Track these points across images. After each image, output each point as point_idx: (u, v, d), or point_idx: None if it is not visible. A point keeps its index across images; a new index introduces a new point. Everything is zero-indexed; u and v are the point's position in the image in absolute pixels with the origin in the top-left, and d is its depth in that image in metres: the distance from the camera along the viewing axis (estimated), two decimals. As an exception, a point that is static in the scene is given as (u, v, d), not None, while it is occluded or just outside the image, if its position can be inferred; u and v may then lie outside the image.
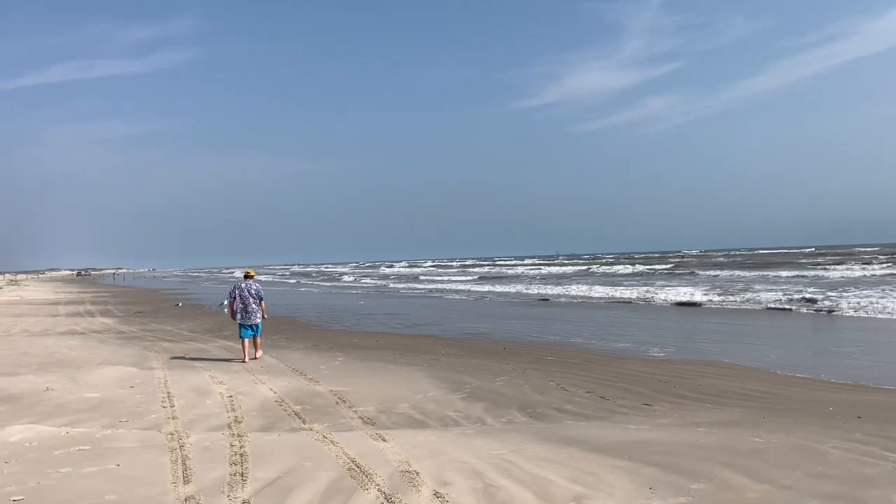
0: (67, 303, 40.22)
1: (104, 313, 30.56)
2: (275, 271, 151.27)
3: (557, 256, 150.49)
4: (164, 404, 9.19)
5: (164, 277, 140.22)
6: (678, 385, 11.10)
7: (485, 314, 27.74)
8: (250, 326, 14.10)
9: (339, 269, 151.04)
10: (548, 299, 35.39)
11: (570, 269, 78.44)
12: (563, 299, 35.05)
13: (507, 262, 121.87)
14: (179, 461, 6.23)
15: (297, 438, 7.30)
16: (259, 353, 14.33)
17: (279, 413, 8.78)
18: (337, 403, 9.42)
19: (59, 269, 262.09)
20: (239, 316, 14.11)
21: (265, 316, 14.50)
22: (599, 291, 37.86)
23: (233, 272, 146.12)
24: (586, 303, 32.22)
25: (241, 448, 6.76)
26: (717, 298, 29.84)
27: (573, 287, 43.13)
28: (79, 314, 29.97)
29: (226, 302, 14.97)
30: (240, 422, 8.24)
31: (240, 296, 14.19)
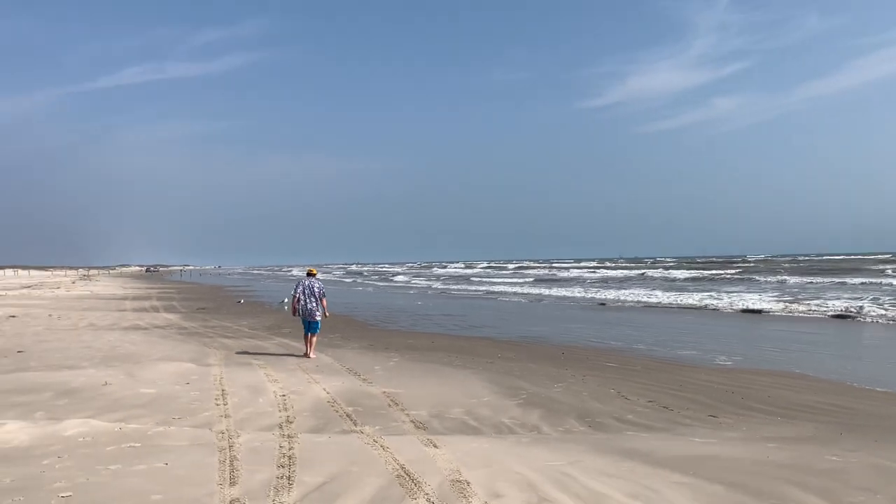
0: (134, 298, 41.37)
1: (168, 309, 31.26)
2: (332, 270, 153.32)
3: (619, 259, 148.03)
4: (218, 402, 9.17)
5: (228, 274, 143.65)
6: (746, 396, 10.56)
7: (543, 317, 27.31)
8: (312, 323, 14.47)
9: (396, 268, 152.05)
10: (605, 304, 34.66)
11: (630, 272, 76.99)
12: (623, 303, 34.27)
13: (564, 265, 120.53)
14: (227, 462, 6.12)
15: (347, 441, 7.14)
16: (313, 354, 14.38)
17: (331, 414, 8.65)
18: (389, 406, 9.24)
19: (129, 265, 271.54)
20: (301, 312, 14.47)
21: (326, 314, 14.79)
22: (661, 296, 36.93)
23: (291, 271, 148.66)
24: (648, 308, 31.40)
25: (289, 450, 6.62)
26: (784, 305, 28.68)
27: (633, 291, 42.22)
28: (144, 309, 30.72)
29: (286, 300, 15.17)
30: (291, 422, 8.13)
31: (303, 293, 14.56)
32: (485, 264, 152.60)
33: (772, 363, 14.30)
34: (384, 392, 10.19)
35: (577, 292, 43.97)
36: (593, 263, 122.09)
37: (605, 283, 58.19)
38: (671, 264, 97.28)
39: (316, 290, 14.58)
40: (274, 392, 9.95)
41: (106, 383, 10.23)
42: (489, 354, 15.23)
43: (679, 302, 33.57)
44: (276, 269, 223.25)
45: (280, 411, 8.71)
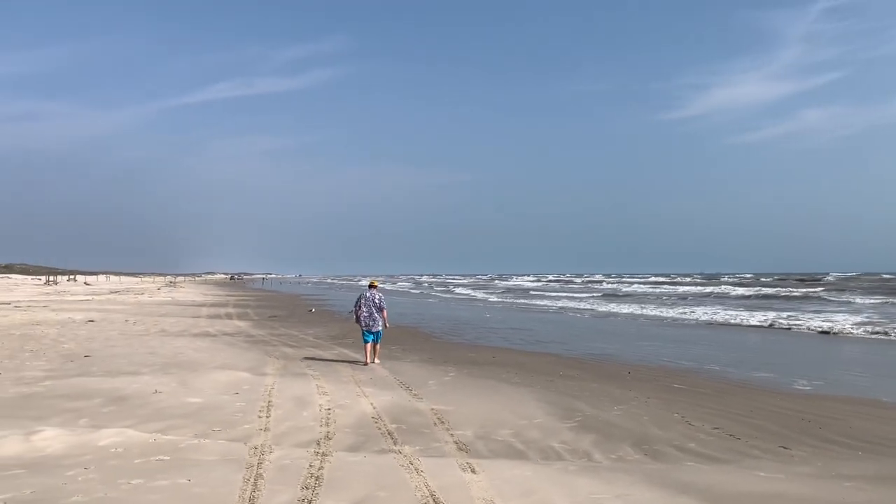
0: (212, 305, 42.47)
1: (241, 316, 31.85)
2: (408, 280, 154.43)
3: (698, 274, 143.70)
4: (261, 414, 9.01)
5: (307, 283, 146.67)
6: (824, 426, 9.70)
7: (612, 333, 26.43)
8: (372, 333, 15.12)
9: (467, 279, 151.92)
10: (679, 320, 33.36)
11: (706, 288, 74.32)
12: (696, 320, 32.90)
13: (638, 279, 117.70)
14: (252, 480, 5.88)
15: (381, 461, 6.81)
16: (377, 360, 15.08)
17: (372, 431, 8.35)
18: (435, 424, 8.88)
19: (215, 273, 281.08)
20: (363, 322, 15.14)
21: (387, 325, 15.43)
22: (738, 314, 35.32)
23: (359, 280, 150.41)
24: (723, 326, 29.99)
25: (319, 469, 6.34)
26: (874, 328, 26.87)
27: (708, 308, 40.60)
28: (218, 316, 31.40)
29: (353, 309, 15.71)
30: (330, 438, 7.87)
31: (364, 304, 15.22)
32: (556, 277, 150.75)
33: (856, 390, 13.22)
34: (432, 409, 9.84)
35: (651, 307, 42.61)
36: (669, 278, 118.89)
37: (684, 298, 56.29)
38: (749, 280, 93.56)
39: (377, 301, 15.26)
40: (320, 405, 9.74)
41: (156, 391, 10.26)
42: (550, 372, 14.67)
43: (754, 321, 31.99)
44: (351, 278, 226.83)
45: (321, 426, 8.47)
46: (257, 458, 6.65)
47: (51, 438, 6.96)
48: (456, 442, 7.98)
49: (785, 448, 8.37)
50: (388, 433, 8.26)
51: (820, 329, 27.23)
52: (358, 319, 15.24)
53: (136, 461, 6.37)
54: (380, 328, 15.15)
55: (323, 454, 6.98)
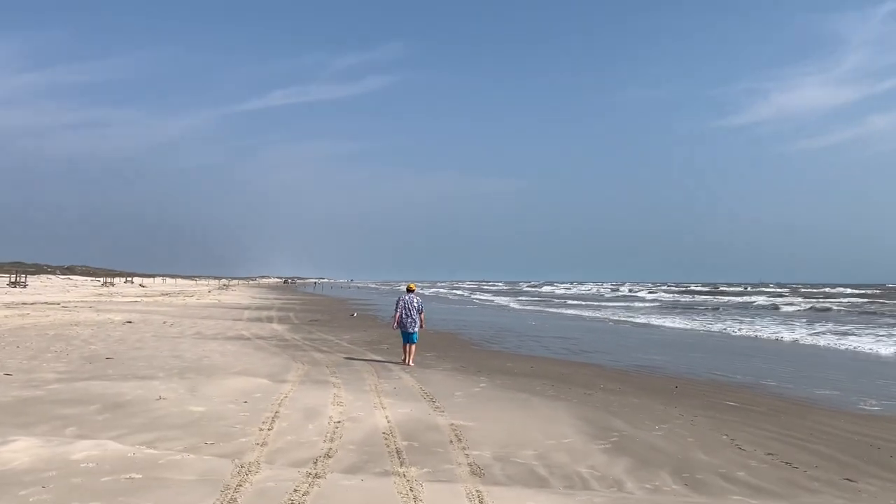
0: (257, 308, 42.40)
1: (282, 320, 31.51)
2: (458, 287, 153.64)
3: (763, 284, 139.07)
4: (263, 426, 8.30)
5: (358, 288, 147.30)
6: (897, 455, 8.52)
7: (663, 344, 25.14)
8: (409, 334, 15.81)
9: (518, 286, 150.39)
10: (731, 333, 31.72)
11: (768, 299, 71.46)
12: (756, 337, 31.20)
13: (696, 288, 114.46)
14: (222, 507, 5.13)
15: (378, 486, 5.99)
16: (412, 363, 15.57)
17: (380, 449, 7.54)
18: (451, 442, 8.02)
19: (269, 277, 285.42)
20: (401, 325, 15.88)
21: (423, 326, 16.18)
22: (798, 327, 33.46)
23: (401, 286, 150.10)
24: (782, 341, 28.29)
25: (304, 495, 5.56)
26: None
27: (770, 322, 38.70)
28: (259, 319, 31.13)
29: (394, 312, 16.21)
30: (330, 456, 7.09)
31: (403, 307, 15.93)
32: (607, 285, 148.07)
33: (934, 412, 11.87)
34: (452, 424, 8.98)
35: (705, 319, 40.86)
36: (728, 287, 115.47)
37: (745, 308, 54.11)
38: (812, 292, 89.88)
39: (415, 304, 16.01)
40: (330, 417, 8.99)
41: (160, 398, 9.65)
42: (590, 384, 13.66)
43: (817, 338, 30.15)
44: (400, 284, 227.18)
45: (325, 442, 7.70)
46: (239, 478, 5.91)
47: (21, 450, 6.35)
48: (470, 464, 7.11)
49: (850, 481, 7.26)
50: (397, 452, 7.44)
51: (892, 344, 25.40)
52: (397, 322, 15.93)
53: (104, 479, 5.69)
54: (416, 330, 15.86)
55: (315, 476, 6.20)
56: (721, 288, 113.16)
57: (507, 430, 8.79)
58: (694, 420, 10.21)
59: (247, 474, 6.06)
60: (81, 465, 6.05)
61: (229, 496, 5.38)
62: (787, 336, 28.47)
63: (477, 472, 6.85)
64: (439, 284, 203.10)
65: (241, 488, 5.62)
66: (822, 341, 26.22)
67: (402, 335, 15.98)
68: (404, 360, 15.70)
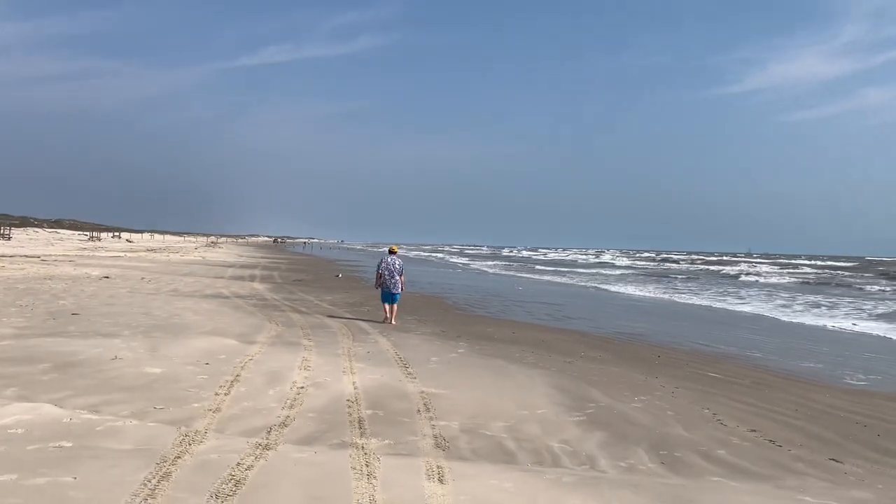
0: (241, 266, 41.85)
1: (264, 279, 31.00)
2: (442, 250, 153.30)
3: (750, 254, 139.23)
4: (220, 391, 7.85)
5: (348, 249, 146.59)
6: (885, 433, 8.18)
7: (649, 312, 24.84)
8: (392, 295, 16.16)
9: (507, 251, 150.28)
10: (721, 303, 31.47)
11: (763, 267, 71.46)
12: (745, 305, 30.97)
13: (681, 256, 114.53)
14: (154, 481, 4.69)
15: (331, 461, 5.56)
16: (395, 321, 15.87)
17: (341, 417, 7.11)
18: (418, 412, 7.60)
19: (258, 236, 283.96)
20: (384, 285, 16.24)
21: (404, 288, 16.66)
22: (788, 297, 33.25)
23: (402, 249, 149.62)
24: (772, 315, 28.04)
25: (248, 468, 5.12)
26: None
27: (762, 292, 38.52)
28: (241, 278, 30.60)
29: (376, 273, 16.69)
30: (286, 425, 6.66)
31: (386, 268, 16.40)
32: (597, 251, 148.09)
33: (921, 389, 11.55)
34: (422, 392, 8.56)
35: (694, 287, 40.63)
36: (716, 256, 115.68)
37: (734, 279, 53.98)
38: (803, 262, 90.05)
39: (397, 266, 16.49)
40: (294, 382, 8.54)
41: (116, 357, 9.18)
42: (571, 352, 13.27)
43: (800, 307, 29.95)
44: (397, 246, 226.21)
45: (283, 409, 7.27)
46: (180, 449, 5.47)
47: (-55, 413, 5.87)
48: (436, 436, 6.69)
49: (836, 461, 6.89)
50: (359, 421, 7.01)
51: (876, 314, 25.20)
52: (379, 283, 16.38)
53: (30, 448, 5.23)
54: (398, 291, 16.27)
55: (265, 447, 5.76)
56: (701, 257, 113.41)
57: (480, 400, 8.38)
58: (675, 392, 9.83)
59: (189, 444, 5.62)
60: (9, 431, 5.59)
61: (164, 469, 4.94)
62: (765, 308, 28.22)
63: (442, 444, 6.43)
64: (424, 248, 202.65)
65: (179, 461, 5.17)
66: (806, 315, 25.97)
67: (384, 295, 16.26)
68: (386, 318, 15.91)
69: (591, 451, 6.62)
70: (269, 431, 6.37)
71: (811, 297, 33.61)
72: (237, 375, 8.67)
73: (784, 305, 28.84)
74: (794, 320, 23.10)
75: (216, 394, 7.68)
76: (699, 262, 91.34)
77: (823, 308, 27.99)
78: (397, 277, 16.28)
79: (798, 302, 30.79)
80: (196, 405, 7.15)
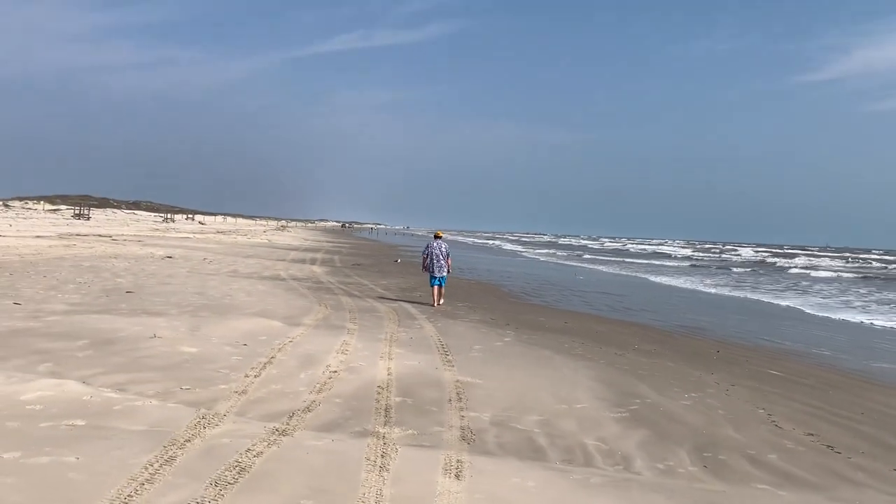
0: (305, 249, 42.36)
1: (324, 262, 31.23)
2: (501, 237, 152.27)
3: (826, 248, 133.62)
4: (251, 373, 7.73)
5: (412, 235, 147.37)
6: (961, 444, 7.45)
7: (715, 306, 23.89)
8: (438, 278, 16.58)
9: (571, 240, 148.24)
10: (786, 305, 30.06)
11: (837, 262, 68.29)
12: (818, 300, 29.51)
13: (771, 249, 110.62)
14: (156, 465, 4.54)
15: (347, 450, 5.32)
16: (442, 302, 16.43)
17: (368, 404, 6.88)
18: (450, 401, 7.31)
19: (327, 221, 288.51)
20: (430, 269, 16.74)
21: (450, 271, 17.13)
22: (868, 293, 31.54)
23: (465, 236, 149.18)
24: (843, 316, 26.61)
25: (257, 455, 4.93)
26: None
27: (835, 287, 36.74)
28: (302, 261, 30.90)
29: (422, 256, 17.34)
30: (310, 410, 6.47)
31: (432, 252, 16.89)
32: (677, 244, 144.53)
33: None
34: (458, 381, 8.27)
35: (771, 282, 39.02)
36: (802, 249, 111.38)
37: (809, 273, 51.74)
38: (890, 258, 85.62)
39: (443, 250, 16.91)
40: (328, 366, 8.37)
41: (154, 336, 9.19)
42: (624, 344, 12.75)
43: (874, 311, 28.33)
44: (458, 232, 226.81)
45: (311, 393, 7.09)
46: (193, 432, 5.32)
47: (-29, 386, 5.89)
48: (462, 428, 6.39)
49: (902, 473, 6.28)
50: (385, 409, 6.77)
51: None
52: (425, 266, 16.95)
53: (42, 425, 5.18)
54: (445, 273, 16.66)
55: (282, 432, 5.57)
56: (771, 250, 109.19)
57: (516, 391, 8.04)
58: (730, 390, 9.26)
59: (204, 427, 5.47)
60: (27, 408, 5.55)
61: (170, 453, 4.79)
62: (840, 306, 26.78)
63: (468, 437, 6.13)
64: (484, 234, 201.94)
65: (188, 444, 5.02)
66: (841, 311, 24.51)
67: (431, 279, 16.71)
68: (434, 302, 16.26)
69: (627, 451, 6.20)
70: (290, 416, 6.19)
71: (851, 293, 31.80)
72: (272, 358, 8.55)
73: (820, 300, 27.34)
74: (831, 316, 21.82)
75: (246, 376, 7.56)
76: (764, 252, 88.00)
77: (857, 304, 26.40)
78: (443, 261, 16.68)
79: (827, 297, 29.16)
80: (223, 386, 7.04)
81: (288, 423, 5.92)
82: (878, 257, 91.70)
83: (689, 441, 6.67)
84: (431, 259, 16.76)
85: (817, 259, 74.30)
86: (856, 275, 48.87)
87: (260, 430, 5.59)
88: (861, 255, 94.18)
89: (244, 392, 6.91)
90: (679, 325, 16.70)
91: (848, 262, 69.00)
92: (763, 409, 8.30)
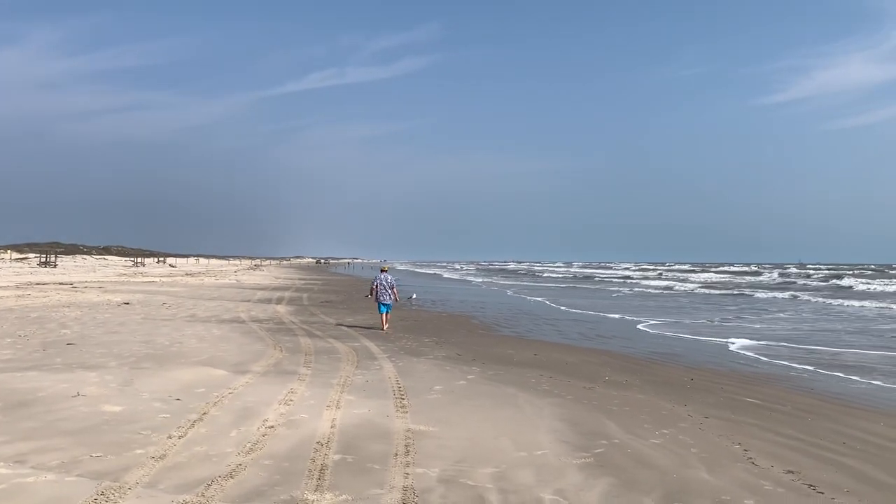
0: (274, 288, 41.44)
1: (291, 301, 30.40)
2: (494, 269, 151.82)
3: (800, 265, 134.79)
4: (176, 432, 6.99)
5: (389, 268, 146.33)
6: (952, 475, 6.89)
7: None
8: (385, 305, 19.07)
9: (554, 266, 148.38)
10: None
11: (821, 282, 68.60)
12: (797, 313, 29.22)
13: (736, 269, 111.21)
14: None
15: (262, 527, 4.62)
16: (387, 328, 18.74)
17: (301, 465, 6.17)
18: (395, 456, 6.62)
19: (302, 257, 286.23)
20: (379, 297, 19.07)
21: (397, 299, 19.80)
22: (850, 306, 31.36)
23: (443, 266, 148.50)
24: (821, 329, 26.31)
25: (151, 542, 4.21)
26: None
27: (822, 302, 36.61)
28: (268, 301, 30.05)
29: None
30: (233, 476, 5.74)
31: (380, 284, 19.18)
32: (639, 265, 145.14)
33: None
34: (409, 430, 7.58)
35: (742, 303, 38.79)
36: (780, 268, 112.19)
37: (789, 286, 51.75)
38: (869, 273, 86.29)
39: (389, 281, 19.32)
40: (265, 421, 7.65)
41: (78, 394, 8.40)
42: (594, 376, 12.16)
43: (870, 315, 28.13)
44: (435, 263, 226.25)
45: (239, 455, 6.36)
46: (84, 514, 4.59)
47: None
48: (405, 489, 5.69)
49: (891, 514, 5.69)
50: (320, 470, 6.06)
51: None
52: (373, 296, 19.27)
53: None
54: (390, 301, 19.14)
55: (191, 508, 4.85)
56: (732, 268, 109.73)
57: (472, 438, 7.37)
58: (703, 423, 8.67)
59: (99, 507, 4.74)
60: None
61: (44, 545, 4.06)
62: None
63: (409, 500, 5.44)
64: (466, 264, 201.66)
65: (71, 531, 4.30)
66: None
67: (379, 306, 19.15)
68: (383, 326, 18.75)
69: (588, 505, 5.55)
70: (208, 485, 5.47)
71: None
72: (203, 414, 7.81)
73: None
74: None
75: (169, 437, 6.82)
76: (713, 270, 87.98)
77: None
78: (389, 291, 19.12)
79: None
80: (139, 451, 6.30)
81: (203, 495, 5.21)
82: (798, 271, 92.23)
83: (657, 489, 6.04)
84: (378, 290, 19.02)
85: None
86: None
87: (166, 507, 4.87)
88: (805, 270, 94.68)
89: (162, 457, 6.17)
90: (652, 352, 16.15)
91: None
92: (739, 443, 7.71)
